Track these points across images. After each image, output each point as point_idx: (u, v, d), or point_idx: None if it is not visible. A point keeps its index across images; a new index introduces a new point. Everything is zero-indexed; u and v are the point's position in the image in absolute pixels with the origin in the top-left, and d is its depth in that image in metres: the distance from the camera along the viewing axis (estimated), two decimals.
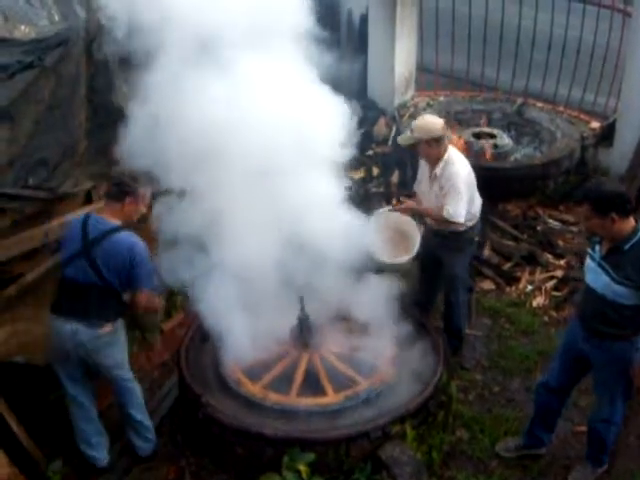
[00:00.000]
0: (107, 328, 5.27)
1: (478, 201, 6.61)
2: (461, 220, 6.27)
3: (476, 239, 6.90)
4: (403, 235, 6.58)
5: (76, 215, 5.43)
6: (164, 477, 5.70)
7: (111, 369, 5.42)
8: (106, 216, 5.29)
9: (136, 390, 5.62)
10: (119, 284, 5.23)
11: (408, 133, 6.41)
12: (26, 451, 5.58)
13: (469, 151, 9.78)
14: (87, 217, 5.31)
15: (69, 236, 5.33)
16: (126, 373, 5.53)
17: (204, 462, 5.79)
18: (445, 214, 6.23)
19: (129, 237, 5.23)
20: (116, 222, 5.26)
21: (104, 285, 5.19)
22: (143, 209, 5.43)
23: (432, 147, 6.25)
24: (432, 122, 6.34)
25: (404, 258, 6.40)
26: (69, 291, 5.30)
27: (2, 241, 5.99)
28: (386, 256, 6.39)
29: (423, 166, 6.59)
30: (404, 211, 6.64)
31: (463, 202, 6.25)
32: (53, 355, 5.45)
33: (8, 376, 5.79)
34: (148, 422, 5.73)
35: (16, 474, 5.41)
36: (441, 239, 6.52)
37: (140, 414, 5.66)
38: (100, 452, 5.70)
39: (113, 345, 5.35)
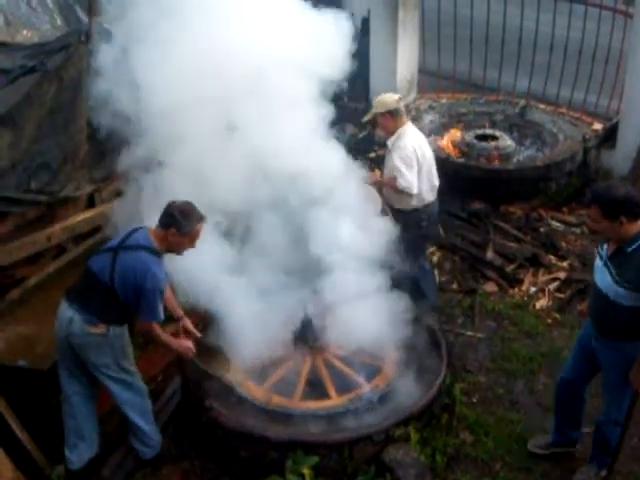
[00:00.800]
0: (100, 329, 5.24)
1: (427, 185, 6.98)
2: (414, 190, 6.76)
3: (424, 223, 7.10)
4: None
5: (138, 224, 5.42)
6: None
7: (98, 367, 5.39)
8: (152, 236, 5.25)
9: (135, 394, 5.59)
10: (123, 296, 5.20)
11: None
12: (30, 456, 5.58)
13: (471, 153, 9.83)
14: (140, 227, 5.33)
15: (118, 235, 5.39)
16: (120, 375, 5.48)
17: (208, 465, 5.78)
18: (398, 185, 6.72)
19: (153, 264, 5.16)
20: (155, 244, 5.22)
21: (111, 287, 5.18)
22: (191, 246, 5.33)
23: (387, 120, 6.89)
24: (388, 96, 7.02)
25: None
26: (85, 280, 5.31)
27: (5, 245, 6.01)
28: None
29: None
30: (372, 183, 6.97)
31: (412, 173, 6.75)
32: (55, 341, 5.46)
33: (11, 381, 5.81)
34: (147, 427, 5.68)
35: (20, 478, 5.42)
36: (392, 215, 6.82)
37: (138, 418, 5.62)
38: (74, 454, 5.64)
39: (102, 347, 5.31)
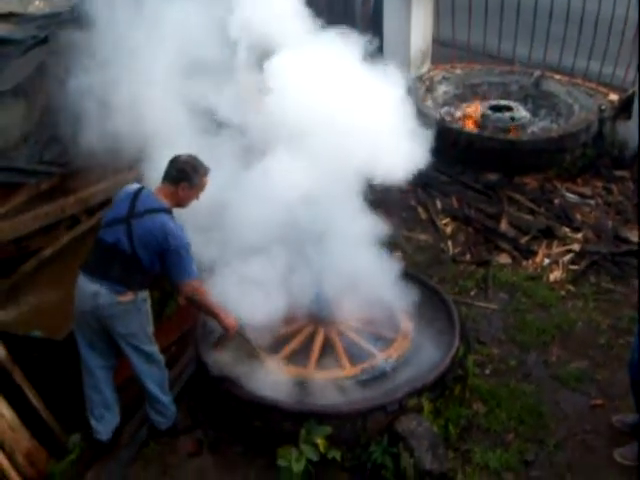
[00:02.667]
0: (128, 296, 5.27)
1: None
2: None
3: None
4: None
5: (132, 185, 5.41)
6: (183, 449, 5.74)
7: (125, 337, 5.41)
8: (158, 195, 5.27)
9: (154, 365, 5.62)
10: (147, 262, 5.22)
11: None
12: (46, 425, 5.63)
13: (485, 124, 9.77)
14: (140, 189, 5.33)
15: (118, 202, 5.34)
16: (145, 346, 5.51)
17: (222, 435, 5.82)
18: None
19: (170, 222, 5.19)
20: (165, 203, 5.25)
21: (132, 255, 5.19)
22: (197, 199, 5.40)
23: None
24: None
25: None
26: (101, 253, 5.30)
27: (19, 217, 6.03)
28: None
29: None
30: None
31: None
32: (75, 317, 5.45)
33: (27, 351, 5.85)
34: (164, 397, 5.72)
35: (37, 447, 5.48)
36: None
37: (157, 389, 5.65)
38: (101, 425, 5.70)
39: (131, 314, 5.34)
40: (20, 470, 5.27)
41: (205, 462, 5.67)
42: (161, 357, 5.69)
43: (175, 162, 5.26)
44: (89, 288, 5.26)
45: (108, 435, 5.73)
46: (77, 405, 5.89)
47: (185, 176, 5.23)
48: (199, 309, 5.54)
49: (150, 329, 5.53)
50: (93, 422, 5.69)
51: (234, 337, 5.57)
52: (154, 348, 5.60)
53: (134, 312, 5.35)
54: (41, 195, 6.35)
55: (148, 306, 5.49)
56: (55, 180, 6.40)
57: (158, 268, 5.28)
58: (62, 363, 6.00)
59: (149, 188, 5.35)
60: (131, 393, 5.99)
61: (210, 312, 5.48)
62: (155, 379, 5.64)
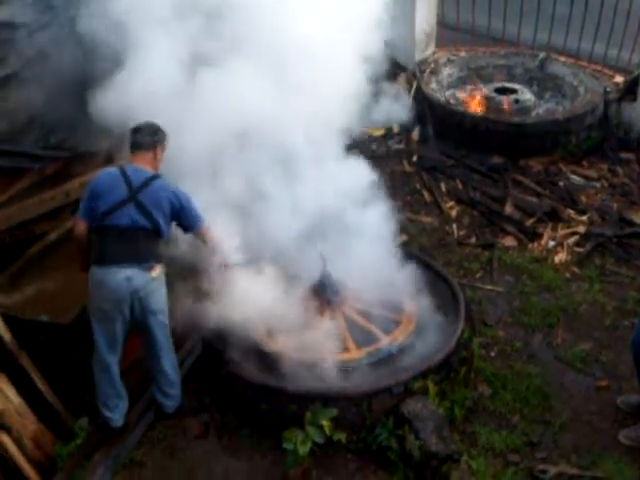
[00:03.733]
0: (157, 270, 5.37)
1: None
2: None
3: None
4: None
5: (108, 170, 5.48)
6: (189, 432, 5.76)
7: (157, 314, 5.46)
8: (141, 165, 5.41)
9: (170, 341, 5.68)
10: (165, 228, 5.37)
11: None
12: (53, 409, 5.65)
13: (489, 106, 9.75)
14: (124, 168, 5.39)
15: (108, 187, 5.32)
16: (167, 320, 5.59)
17: (228, 418, 5.85)
18: None
19: (169, 184, 5.41)
20: (152, 169, 5.43)
21: (152, 228, 5.30)
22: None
23: None
24: None
25: None
26: (117, 239, 5.29)
27: (25, 201, 6.04)
28: None
29: None
30: None
31: None
32: (98, 312, 5.42)
33: (33, 335, 5.87)
34: (175, 377, 5.77)
35: (43, 431, 5.50)
36: None
37: (171, 368, 5.71)
38: (116, 414, 5.73)
39: (161, 288, 5.46)
40: (27, 453, 5.30)
41: (211, 445, 5.69)
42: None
43: (142, 130, 5.40)
44: (119, 276, 5.24)
45: (123, 420, 5.77)
46: (83, 389, 5.92)
47: (158, 139, 5.43)
48: (210, 247, 5.67)
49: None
50: (108, 413, 5.70)
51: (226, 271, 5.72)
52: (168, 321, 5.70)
53: (161, 285, 5.47)
54: (46, 179, 6.35)
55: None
56: (60, 164, 6.40)
57: (169, 231, 5.48)
58: (68, 347, 6.03)
59: (129, 165, 5.43)
60: (136, 376, 6.03)
61: (216, 249, 5.66)
62: (171, 356, 5.71)
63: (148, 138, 5.39)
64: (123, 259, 5.25)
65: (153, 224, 5.28)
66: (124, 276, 5.23)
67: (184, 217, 5.43)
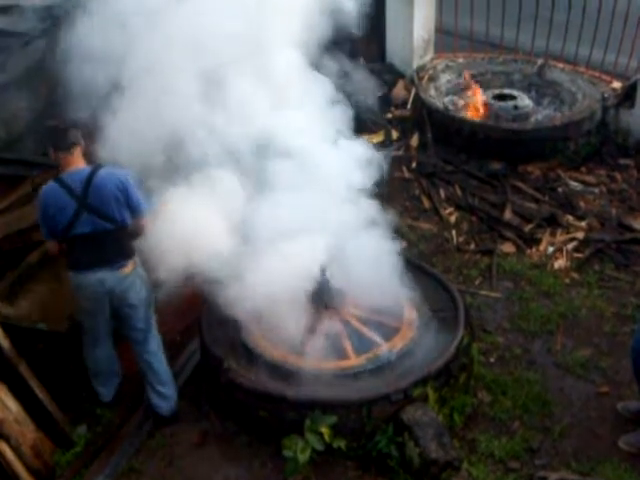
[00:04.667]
0: (130, 266, 5.43)
1: None
2: None
3: None
4: None
5: (47, 186, 5.40)
6: (188, 440, 5.75)
7: (139, 308, 5.55)
8: (75, 166, 5.32)
9: (158, 337, 5.75)
10: (128, 220, 5.36)
11: None
12: (51, 417, 5.64)
13: (489, 113, 9.76)
14: (57, 181, 5.31)
15: (55, 206, 5.28)
16: (153, 315, 5.68)
17: (227, 425, 5.83)
18: None
19: (109, 171, 5.31)
20: (85, 166, 5.36)
21: (115, 226, 5.31)
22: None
23: None
24: None
25: None
26: (85, 245, 5.36)
27: (23, 209, 6.04)
28: None
29: None
30: None
31: None
32: (80, 309, 5.61)
33: (32, 343, 5.86)
34: (167, 375, 5.81)
35: (42, 439, 5.49)
36: None
37: (159, 363, 5.75)
38: (106, 389, 5.96)
39: (137, 282, 5.50)
40: (26, 462, 5.29)
41: (211, 453, 5.68)
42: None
43: (64, 129, 5.30)
44: (93, 279, 5.36)
45: (112, 395, 6.02)
46: (82, 397, 5.93)
47: (78, 137, 5.32)
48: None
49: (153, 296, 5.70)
50: (98, 387, 5.97)
51: None
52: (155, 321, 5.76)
53: (139, 279, 5.53)
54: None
55: (146, 273, 5.61)
56: (58, 171, 6.40)
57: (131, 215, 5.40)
58: (66, 355, 6.02)
59: (64, 172, 5.35)
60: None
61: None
62: (160, 354, 5.77)
63: (74, 137, 5.28)
64: (93, 263, 5.35)
65: (114, 222, 5.30)
66: (97, 278, 5.36)
67: (130, 202, 5.33)
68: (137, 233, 5.48)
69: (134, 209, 5.36)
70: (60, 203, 5.24)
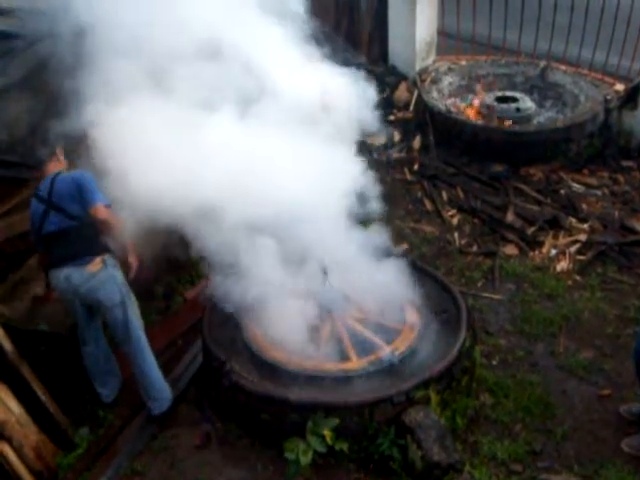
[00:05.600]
0: (96, 265, 5.50)
1: None
2: None
3: None
4: None
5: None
6: (190, 442, 5.75)
7: (112, 310, 5.58)
8: (51, 170, 5.68)
9: (142, 340, 5.74)
10: (82, 213, 5.50)
11: None
12: (53, 419, 5.64)
13: (491, 115, 9.75)
14: (37, 188, 5.67)
15: (33, 212, 5.66)
16: (132, 318, 5.66)
17: (230, 428, 5.82)
18: None
19: (68, 173, 5.63)
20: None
21: (76, 222, 5.50)
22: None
23: None
24: None
25: None
26: (52, 244, 5.59)
27: (25, 212, 6.04)
28: None
29: None
30: None
31: None
32: (67, 305, 5.76)
33: (34, 345, 5.87)
34: (156, 378, 5.82)
35: (44, 441, 5.50)
36: None
37: (146, 367, 5.77)
38: (106, 389, 6.02)
39: (107, 282, 5.55)
40: (28, 464, 5.30)
41: (213, 455, 5.67)
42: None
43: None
44: (60, 276, 5.53)
45: (113, 396, 6.07)
46: (84, 399, 5.93)
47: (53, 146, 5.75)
48: (113, 234, 5.64)
49: (134, 304, 5.72)
50: (98, 388, 6.02)
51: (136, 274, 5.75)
52: (141, 323, 5.78)
53: (109, 279, 5.56)
54: None
55: (121, 276, 5.66)
56: None
57: (85, 206, 5.52)
58: (68, 357, 6.03)
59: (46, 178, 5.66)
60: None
61: (120, 240, 5.67)
62: (146, 356, 5.77)
63: (45, 150, 5.67)
64: (60, 261, 5.54)
65: (75, 219, 5.50)
66: (64, 275, 5.52)
67: (83, 195, 5.48)
68: (102, 228, 5.55)
69: (87, 201, 5.48)
70: (34, 209, 5.61)
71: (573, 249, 7.89)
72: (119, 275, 5.63)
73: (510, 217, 8.38)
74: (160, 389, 5.83)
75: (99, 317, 5.82)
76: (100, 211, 5.47)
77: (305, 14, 5.89)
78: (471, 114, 9.90)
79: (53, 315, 5.99)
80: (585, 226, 8.23)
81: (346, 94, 6.10)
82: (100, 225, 5.52)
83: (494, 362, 6.48)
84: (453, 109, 9.97)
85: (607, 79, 10.30)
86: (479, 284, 7.50)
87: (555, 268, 7.65)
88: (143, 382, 5.78)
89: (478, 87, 10.45)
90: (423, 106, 10.03)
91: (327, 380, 5.59)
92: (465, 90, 10.59)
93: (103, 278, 5.52)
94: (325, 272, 5.96)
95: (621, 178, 9.10)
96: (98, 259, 5.52)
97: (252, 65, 5.75)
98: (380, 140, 9.78)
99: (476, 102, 10.09)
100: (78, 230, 5.49)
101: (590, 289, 7.30)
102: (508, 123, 9.59)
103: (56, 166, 5.70)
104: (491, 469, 5.50)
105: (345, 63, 6.33)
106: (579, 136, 9.37)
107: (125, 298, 5.62)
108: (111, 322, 5.68)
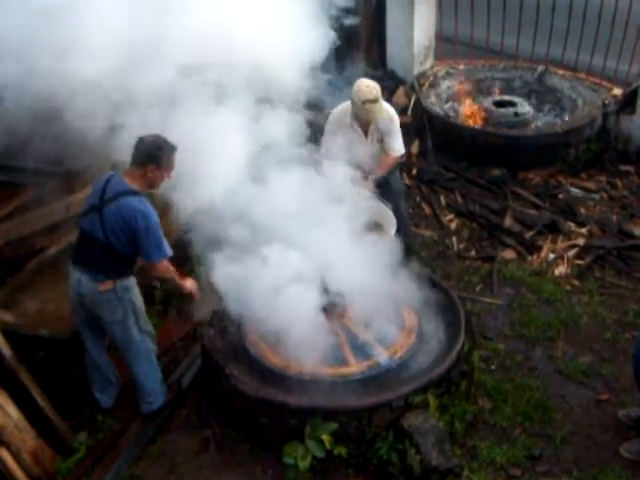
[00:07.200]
0: (107, 285, 5.37)
1: None
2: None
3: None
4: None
5: (106, 173, 5.48)
6: (189, 447, 5.74)
7: (112, 325, 5.55)
8: (126, 179, 5.31)
9: (142, 353, 5.72)
10: (121, 247, 5.30)
11: (366, 103, 6.68)
12: (52, 424, 5.63)
13: (488, 119, 9.77)
14: (112, 176, 5.37)
15: (93, 190, 5.43)
16: (131, 333, 5.61)
17: (229, 432, 5.82)
18: (398, 153, 7.18)
19: (138, 203, 5.23)
20: (132, 186, 5.28)
21: (106, 243, 5.28)
22: (168, 178, 5.42)
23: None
24: (372, 84, 6.79)
25: None
26: (81, 241, 5.47)
27: (25, 216, 6.05)
28: None
29: (352, 135, 6.97)
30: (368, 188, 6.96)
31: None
32: (71, 302, 5.66)
33: (33, 350, 5.87)
34: (149, 385, 5.83)
35: (43, 446, 5.48)
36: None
37: (142, 376, 5.78)
38: (105, 395, 5.99)
39: (113, 303, 5.45)
40: (26, 469, 5.28)
41: (211, 459, 5.67)
42: (152, 347, 5.81)
43: (141, 144, 5.27)
44: (74, 275, 5.43)
45: (112, 402, 6.04)
46: (82, 404, 5.92)
47: (152, 158, 5.24)
48: (164, 282, 5.57)
49: (138, 317, 5.63)
50: (97, 394, 5.99)
51: (200, 297, 5.74)
52: (143, 336, 5.71)
53: (115, 301, 5.45)
54: (46, 194, 6.36)
55: (133, 294, 5.56)
56: (60, 179, 6.41)
57: (133, 252, 5.37)
58: (67, 362, 6.03)
59: (120, 174, 5.38)
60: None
61: (174, 284, 5.63)
62: (142, 368, 5.77)
63: (140, 155, 5.26)
64: (79, 262, 5.42)
65: (106, 239, 5.27)
66: (77, 277, 5.42)
67: (140, 244, 5.27)
68: (156, 279, 5.58)
69: (143, 253, 5.32)
70: (96, 189, 5.39)
71: (571, 253, 7.89)
72: (129, 297, 5.51)
73: (508, 221, 8.38)
74: (150, 392, 5.86)
75: (101, 329, 5.71)
76: (156, 269, 5.40)
77: None
78: (469, 118, 9.90)
79: (54, 320, 5.98)
80: (583, 230, 8.23)
81: None
82: (154, 277, 5.49)
83: (493, 366, 6.48)
84: (451, 114, 9.98)
85: (605, 83, 10.29)
86: (477, 288, 7.50)
87: (553, 272, 7.65)
88: (135, 383, 5.84)
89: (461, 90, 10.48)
90: (421, 110, 10.03)
91: (326, 384, 5.58)
92: (463, 95, 10.59)
93: (109, 298, 5.41)
94: (324, 275, 5.95)
95: (619, 182, 9.11)
96: (110, 282, 5.37)
97: None
98: None
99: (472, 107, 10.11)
100: (105, 248, 5.29)
101: (588, 293, 7.30)
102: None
103: (133, 176, 5.31)
104: (490, 474, 5.50)
105: None
106: (577, 140, 9.38)
107: (127, 316, 5.52)
108: (110, 334, 5.69)
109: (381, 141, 7.01)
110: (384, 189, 7.13)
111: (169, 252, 5.36)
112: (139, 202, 5.23)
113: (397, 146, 7.08)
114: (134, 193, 5.25)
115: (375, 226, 6.66)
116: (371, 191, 6.88)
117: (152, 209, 5.27)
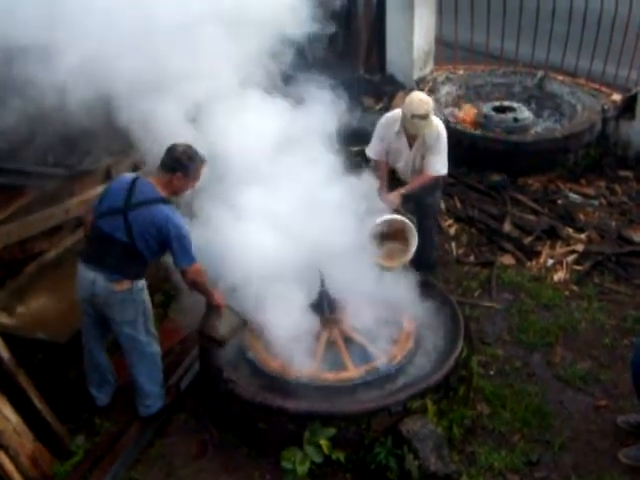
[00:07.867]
0: (124, 285, 5.37)
1: None
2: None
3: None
4: (400, 236, 6.61)
5: (127, 175, 5.52)
6: (187, 451, 5.74)
7: (121, 325, 5.55)
8: (154, 184, 5.34)
9: (147, 356, 5.72)
10: (148, 252, 5.33)
11: (414, 118, 6.56)
12: (50, 427, 5.62)
13: (488, 124, 9.76)
14: (137, 178, 5.39)
15: (114, 190, 5.41)
16: (140, 335, 5.61)
17: (227, 437, 5.81)
18: (436, 173, 6.90)
19: (167, 211, 5.27)
20: (161, 193, 5.32)
21: (130, 245, 5.27)
22: (193, 187, 5.47)
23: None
24: (425, 97, 6.70)
25: (401, 262, 6.48)
26: (98, 241, 5.41)
27: (23, 219, 6.04)
28: (382, 259, 6.40)
29: (398, 144, 6.91)
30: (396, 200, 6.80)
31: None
32: (79, 303, 5.63)
33: (31, 353, 5.86)
34: (150, 388, 5.82)
35: (40, 449, 5.47)
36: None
37: (143, 379, 5.77)
38: (102, 393, 6.00)
39: (127, 303, 5.45)
40: (24, 472, 5.27)
41: (210, 464, 5.66)
42: (157, 349, 5.81)
43: (172, 151, 5.30)
44: (87, 276, 5.38)
45: (108, 400, 6.05)
46: (80, 407, 5.91)
47: (181, 166, 5.28)
48: (195, 289, 5.54)
49: (147, 319, 5.65)
50: (94, 391, 6.00)
51: (224, 312, 5.66)
52: (150, 339, 5.71)
53: (129, 301, 5.45)
54: (46, 197, 6.36)
55: (145, 296, 5.58)
56: (59, 182, 6.41)
57: (158, 256, 5.44)
58: (65, 365, 6.02)
59: (145, 178, 5.40)
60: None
61: (205, 292, 5.56)
62: (144, 370, 5.76)
63: (170, 162, 5.29)
64: (94, 262, 5.38)
65: (132, 242, 5.27)
66: (89, 278, 5.38)
67: (172, 251, 5.29)
68: (188, 285, 5.49)
69: (176, 257, 5.31)
70: (118, 191, 5.38)
71: (570, 259, 7.90)
72: (142, 298, 5.54)
73: (507, 227, 8.39)
74: (149, 395, 5.85)
75: (106, 329, 5.73)
76: (190, 273, 5.36)
77: None
78: (470, 124, 9.90)
79: (51, 324, 5.98)
80: (582, 236, 8.24)
81: None
82: (186, 283, 5.46)
83: (491, 372, 6.48)
84: (451, 119, 9.98)
85: (604, 89, 10.31)
86: (476, 294, 7.50)
87: (552, 278, 7.66)
88: (135, 387, 5.83)
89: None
90: None
91: (324, 389, 5.58)
92: (462, 100, 10.60)
93: (124, 298, 5.42)
94: (322, 280, 5.95)
95: (618, 188, 9.12)
96: (127, 282, 5.38)
97: None
98: None
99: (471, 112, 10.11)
100: (126, 248, 5.29)
101: (587, 299, 7.31)
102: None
103: (161, 181, 5.34)
104: (488, 479, 5.49)
105: None
106: (576, 146, 9.40)
107: (137, 317, 5.54)
108: (117, 334, 5.67)
109: (424, 157, 6.87)
110: (418, 205, 7.08)
111: (197, 258, 5.36)
112: (169, 209, 5.29)
113: (437, 166, 6.85)
114: (163, 201, 5.30)
115: (397, 238, 6.58)
116: (394, 204, 6.74)
117: (183, 218, 5.33)
